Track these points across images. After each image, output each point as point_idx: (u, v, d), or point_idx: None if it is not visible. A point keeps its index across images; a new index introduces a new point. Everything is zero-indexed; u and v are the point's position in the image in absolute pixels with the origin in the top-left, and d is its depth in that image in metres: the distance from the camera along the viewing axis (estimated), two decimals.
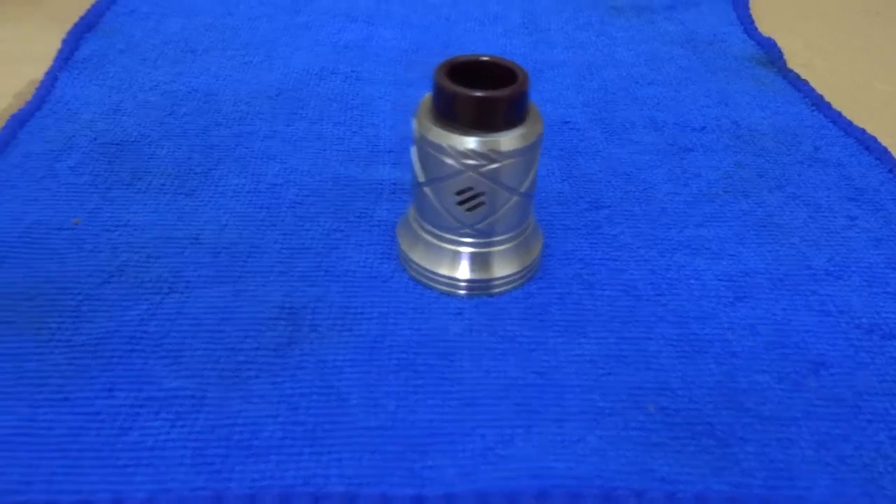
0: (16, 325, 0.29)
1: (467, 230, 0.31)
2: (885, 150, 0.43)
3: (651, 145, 0.43)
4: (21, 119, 0.42)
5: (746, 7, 0.62)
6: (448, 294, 0.32)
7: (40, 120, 0.42)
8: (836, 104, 0.49)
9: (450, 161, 0.29)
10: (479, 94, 0.28)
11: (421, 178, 0.31)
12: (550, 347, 0.30)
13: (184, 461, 0.25)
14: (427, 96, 0.31)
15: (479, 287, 0.32)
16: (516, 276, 0.32)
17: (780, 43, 0.56)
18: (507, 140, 0.29)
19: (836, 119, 0.47)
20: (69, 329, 0.29)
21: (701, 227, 0.37)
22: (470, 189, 0.30)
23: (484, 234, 0.31)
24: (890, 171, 0.42)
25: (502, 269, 0.32)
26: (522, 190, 0.30)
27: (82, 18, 0.54)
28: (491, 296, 0.32)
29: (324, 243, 0.34)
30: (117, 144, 0.40)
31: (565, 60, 0.53)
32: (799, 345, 0.30)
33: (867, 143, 0.44)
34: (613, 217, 0.37)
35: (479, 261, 0.32)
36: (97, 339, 0.29)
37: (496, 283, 0.32)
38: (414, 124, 0.30)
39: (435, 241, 0.32)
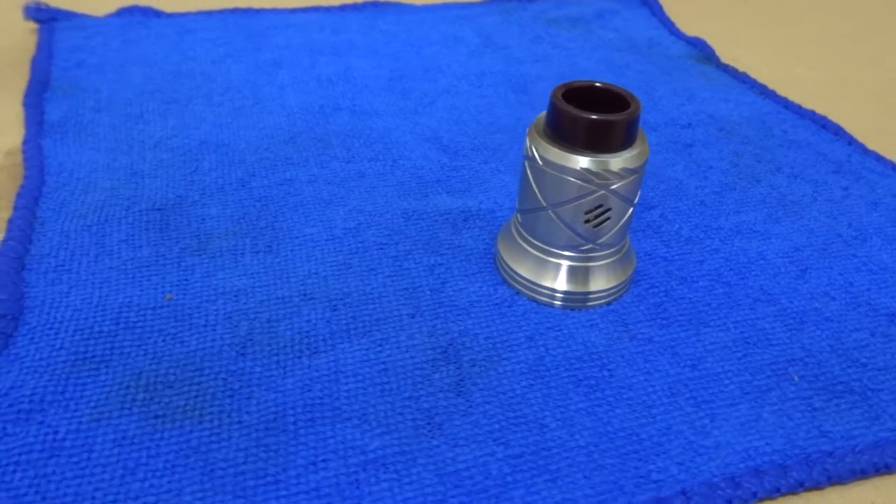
0: (169, 417, 0.27)
1: (591, 245, 0.33)
2: (839, 127, 0.50)
3: (658, 145, 0.47)
4: (32, 196, 0.38)
5: (663, 12, 0.69)
6: (547, 305, 0.33)
7: (54, 194, 0.39)
8: (779, 89, 0.56)
9: (579, 182, 0.31)
10: (602, 117, 0.30)
11: (542, 202, 0.32)
12: (685, 342, 0.32)
13: None
14: (538, 122, 0.32)
15: (578, 299, 0.33)
16: (616, 289, 0.34)
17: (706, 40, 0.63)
18: (629, 158, 0.31)
19: (788, 104, 0.53)
20: (233, 409, 0.28)
21: (738, 213, 0.41)
22: (600, 206, 0.31)
23: (606, 247, 0.33)
24: (849, 143, 0.49)
25: (603, 282, 0.34)
26: (636, 201, 0.33)
27: (32, 79, 0.49)
28: (586, 307, 0.34)
29: (432, 279, 0.35)
30: (158, 210, 0.38)
31: (541, 74, 0.56)
32: (869, 302, 0.35)
33: (822, 123, 0.51)
34: (666, 215, 0.41)
35: (580, 273, 0.34)
36: (270, 415, 0.28)
37: (593, 296, 0.34)
38: (531, 151, 0.31)
39: (542, 255, 0.33)
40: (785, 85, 0.57)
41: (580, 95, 0.32)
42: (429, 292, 0.34)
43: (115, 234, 0.36)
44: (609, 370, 0.31)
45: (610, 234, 0.33)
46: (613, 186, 0.31)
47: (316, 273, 0.35)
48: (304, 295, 0.33)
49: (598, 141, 0.30)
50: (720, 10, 0.73)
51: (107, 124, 0.45)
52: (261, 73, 0.53)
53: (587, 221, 0.32)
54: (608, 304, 0.34)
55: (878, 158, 0.47)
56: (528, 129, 0.33)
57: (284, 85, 0.51)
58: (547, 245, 0.33)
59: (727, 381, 0.30)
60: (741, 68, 0.59)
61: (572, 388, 0.30)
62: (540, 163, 0.31)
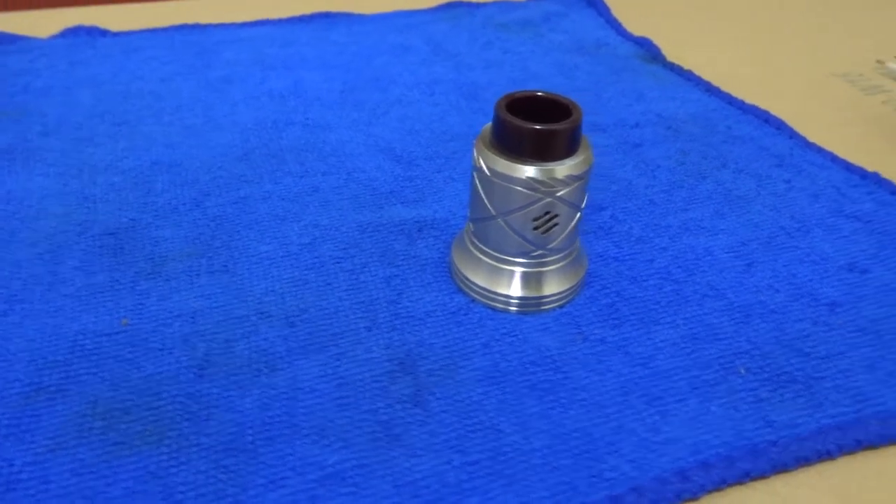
0: (128, 444, 0.27)
1: (541, 251, 0.33)
2: (780, 121, 0.52)
3: (607, 146, 0.48)
4: None
5: (609, 12, 0.70)
6: (504, 311, 0.34)
7: (4, 223, 0.38)
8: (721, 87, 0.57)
9: (525, 190, 0.31)
10: (545, 127, 0.31)
11: (492, 212, 0.33)
12: (637, 340, 0.33)
13: None
14: (484, 133, 0.33)
15: (532, 304, 0.34)
16: (567, 293, 0.35)
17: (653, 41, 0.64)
18: (574, 165, 0.32)
19: (731, 100, 0.55)
20: (191, 433, 0.28)
21: (686, 210, 0.42)
22: (547, 213, 0.32)
23: (557, 252, 0.34)
24: (791, 137, 0.50)
25: (555, 286, 0.35)
26: (583, 206, 0.34)
27: None
28: (541, 311, 0.35)
29: (388, 291, 0.35)
30: (111, 234, 0.38)
31: (492, 80, 0.57)
32: (810, 293, 0.37)
33: (763, 117, 0.52)
34: (617, 215, 0.42)
35: (532, 279, 0.34)
36: (228, 436, 0.28)
37: (546, 300, 0.35)
38: (479, 161, 0.32)
39: (496, 263, 0.34)
40: (729, 81, 0.59)
41: (523, 105, 0.33)
42: (385, 304, 0.34)
43: (68, 261, 0.36)
44: (563, 373, 0.31)
45: (559, 239, 0.33)
46: (559, 193, 0.32)
47: (273, 290, 0.35)
48: (262, 313, 0.33)
49: (543, 150, 0.31)
50: (665, 9, 0.74)
51: (56, 149, 0.45)
52: (211, 90, 0.53)
53: (536, 228, 0.33)
54: (561, 307, 0.35)
55: (819, 150, 0.49)
56: (475, 141, 0.33)
57: (236, 101, 0.51)
58: (499, 253, 0.34)
59: (677, 378, 0.31)
60: (687, 67, 0.60)
61: (527, 393, 0.30)
62: (487, 173, 0.32)
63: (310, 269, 0.36)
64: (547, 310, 0.35)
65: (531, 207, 0.32)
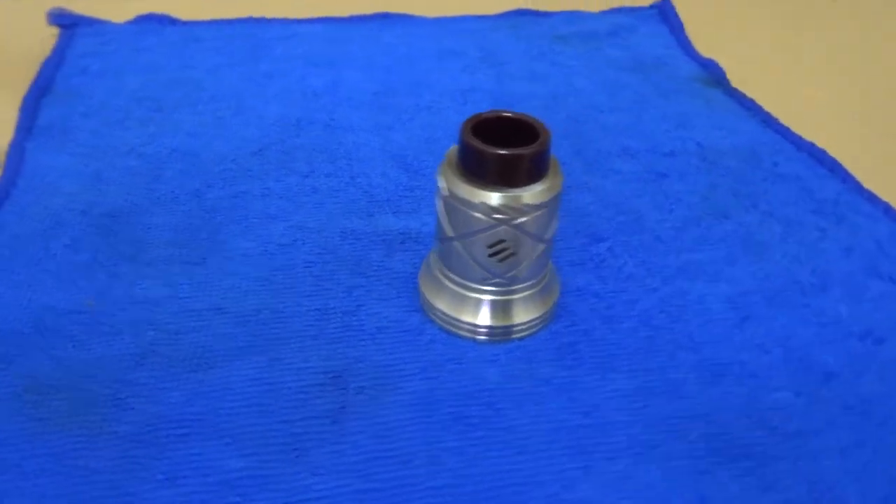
0: (52, 421, 0.29)
1: (497, 279, 0.32)
2: (835, 162, 0.47)
3: (630, 174, 0.46)
4: None
5: (682, 30, 0.66)
6: (471, 339, 0.33)
7: (19, 197, 0.41)
8: (774, 114, 0.53)
9: (480, 216, 0.30)
10: (506, 152, 0.29)
11: (450, 234, 0.32)
12: (586, 386, 0.31)
13: None
14: (450, 153, 0.32)
15: (499, 333, 0.33)
16: (537, 321, 0.34)
17: (719, 61, 0.60)
18: (535, 193, 0.30)
19: (786, 134, 0.50)
20: (112, 419, 0.29)
21: (693, 251, 0.39)
22: (501, 241, 0.31)
23: (512, 282, 0.32)
24: (843, 181, 0.46)
25: (524, 314, 0.33)
26: (547, 237, 0.32)
27: (34, 83, 0.52)
28: (510, 340, 0.33)
29: (348, 301, 0.35)
30: (110, 216, 0.40)
31: (530, 92, 0.55)
32: (805, 358, 0.33)
33: (818, 156, 0.48)
34: (614, 248, 0.39)
35: (500, 308, 0.33)
36: (146, 427, 0.28)
37: (517, 328, 0.33)
38: (440, 182, 0.31)
39: (460, 290, 0.33)
40: (799, 114, 0.54)
41: (493, 126, 0.31)
42: (340, 315, 0.34)
43: (62, 238, 0.38)
44: (496, 409, 0.30)
45: (519, 269, 0.32)
46: (517, 221, 0.30)
47: (236, 287, 0.35)
48: (219, 309, 0.34)
49: (501, 175, 0.30)
50: (750, 31, 0.69)
51: (89, 130, 0.47)
52: (250, 84, 0.54)
53: (491, 255, 0.31)
54: (521, 339, 0.33)
55: (871, 199, 0.44)
56: (443, 160, 0.32)
57: (270, 96, 0.53)
58: (462, 278, 0.33)
59: (616, 433, 0.29)
60: (749, 90, 0.56)
61: (451, 425, 0.29)
62: (446, 193, 0.31)
63: (279, 271, 0.36)
64: (517, 339, 0.33)
65: (486, 234, 0.31)
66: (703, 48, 0.63)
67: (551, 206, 0.31)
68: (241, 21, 0.64)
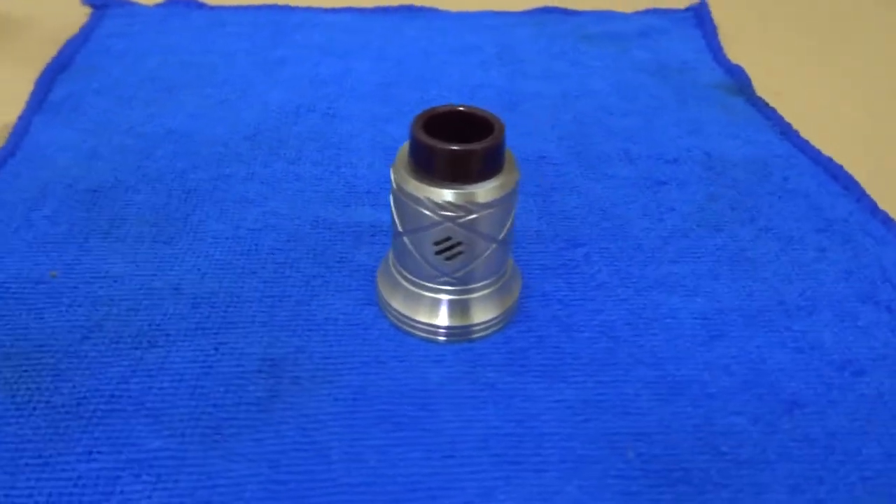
0: None
1: (447, 278, 0.31)
2: (852, 180, 0.44)
3: (626, 179, 0.44)
4: None
5: (715, 35, 0.63)
6: (428, 340, 0.32)
7: (14, 167, 0.42)
8: (804, 130, 0.50)
9: (427, 212, 0.29)
10: (454, 147, 0.28)
11: (399, 228, 0.31)
12: (530, 394, 0.30)
13: None
14: (405, 146, 0.31)
15: (458, 333, 0.32)
16: (495, 321, 0.33)
17: (749, 70, 0.57)
18: (485, 191, 0.29)
19: (805, 148, 0.48)
20: (48, 389, 0.29)
21: (676, 263, 0.37)
22: (448, 239, 0.30)
23: (463, 282, 0.31)
24: (858, 200, 0.43)
25: (481, 314, 0.32)
26: (500, 237, 0.31)
27: (55, 59, 0.54)
28: (472, 341, 0.32)
29: (304, 291, 0.35)
30: (94, 191, 0.40)
31: (540, 91, 0.54)
32: (773, 384, 0.31)
33: (834, 173, 0.45)
34: (591, 255, 0.38)
35: (457, 307, 0.32)
36: (77, 399, 0.29)
37: (476, 328, 0.32)
38: (391, 175, 0.30)
39: (415, 288, 0.32)
40: (824, 123, 0.51)
41: (446, 120, 0.30)
42: (292, 304, 0.34)
43: (44, 209, 0.39)
44: (429, 411, 0.29)
45: (469, 268, 0.31)
46: (464, 220, 0.29)
47: (197, 269, 0.35)
48: (175, 289, 0.34)
49: (448, 171, 0.29)
50: (788, 40, 0.66)
51: (98, 107, 0.49)
52: (261, 70, 0.54)
53: (439, 253, 0.30)
54: (481, 339, 0.32)
55: (886, 221, 0.41)
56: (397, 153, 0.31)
57: (277, 83, 0.53)
58: (413, 276, 0.32)
59: (549, 445, 0.28)
60: (782, 102, 0.53)
61: (378, 423, 0.28)
62: (394, 186, 0.30)
63: (243, 255, 0.36)
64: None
65: (433, 230, 0.30)
66: (738, 55, 0.60)
67: (503, 206, 0.30)
68: (267, 8, 0.65)
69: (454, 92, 0.53)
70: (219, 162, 0.44)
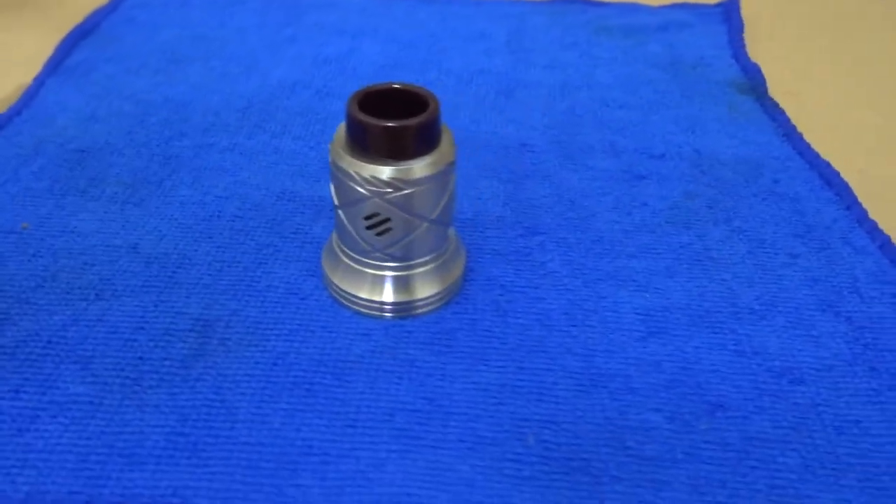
0: None
1: (378, 254, 0.31)
2: (845, 186, 0.42)
3: (605, 171, 0.43)
4: None
5: (740, 31, 0.61)
6: (370, 317, 0.33)
7: (18, 125, 0.45)
8: (816, 134, 0.48)
9: (357, 187, 0.30)
10: (382, 123, 0.29)
11: (336, 202, 0.31)
12: (448, 374, 0.30)
13: (66, 465, 0.26)
14: (343, 123, 0.31)
15: (397, 309, 0.32)
16: (435, 298, 0.33)
17: (771, 69, 0.55)
18: (413, 168, 0.29)
19: (804, 151, 0.46)
20: None
21: (633, 258, 0.37)
22: (377, 215, 0.30)
23: (396, 259, 0.32)
24: (847, 207, 0.41)
25: (420, 291, 0.32)
26: (433, 217, 0.31)
27: (78, 26, 0.56)
28: (415, 317, 0.33)
29: (254, 258, 0.35)
30: (82, 151, 0.42)
31: (540, 80, 0.53)
32: (702, 385, 0.30)
33: (829, 178, 0.43)
34: (546, 244, 0.37)
35: (396, 284, 0.32)
36: (17, 342, 0.31)
37: (417, 304, 0.33)
38: (329, 149, 0.31)
39: (354, 264, 0.32)
40: (837, 128, 0.49)
41: (384, 97, 0.31)
42: (239, 270, 0.35)
43: (33, 164, 0.41)
44: (343, 381, 0.30)
45: (399, 246, 0.31)
46: (390, 196, 0.30)
47: (158, 230, 0.37)
48: (133, 247, 0.36)
49: (377, 147, 0.29)
50: (815, 40, 0.63)
51: (107, 74, 0.51)
52: (269, 47, 0.56)
53: (368, 228, 0.31)
54: (411, 317, 0.33)
55: (872, 231, 0.39)
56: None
57: (282, 60, 0.54)
58: (350, 250, 0.32)
59: (454, 425, 0.28)
60: (798, 103, 0.51)
61: (291, 389, 0.29)
62: (330, 160, 0.31)
63: (204, 220, 0.38)
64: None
65: (361, 205, 0.30)
66: (764, 53, 0.58)
67: (433, 185, 0.30)
68: None
69: (452, 76, 0.53)
70: (206, 131, 0.45)
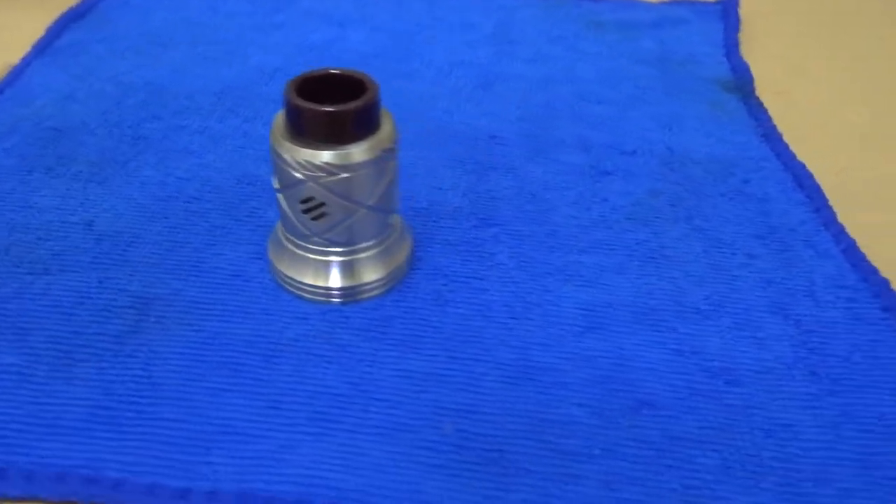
0: None
1: (318, 239, 0.32)
2: (817, 188, 0.41)
3: (572, 166, 0.43)
4: None
5: (735, 29, 0.60)
6: (316, 302, 0.33)
7: (0, 103, 0.46)
8: (801, 134, 0.47)
9: (292, 171, 0.30)
10: (315, 107, 0.29)
11: (275, 186, 0.32)
12: (377, 360, 0.30)
13: None
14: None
15: (343, 295, 0.32)
16: (380, 283, 0.33)
17: (765, 67, 0.54)
18: (348, 153, 0.29)
19: (781, 152, 0.45)
20: None
21: (585, 253, 0.36)
22: (313, 199, 0.30)
23: (336, 244, 0.32)
24: (816, 210, 0.40)
25: (365, 276, 0.33)
26: (371, 203, 0.31)
27: (73, 8, 0.57)
28: (358, 303, 0.33)
29: (204, 239, 0.36)
30: (56, 130, 0.43)
31: (522, 74, 0.53)
32: (633, 382, 0.30)
33: (801, 180, 0.42)
34: (499, 236, 0.37)
35: (340, 269, 0.32)
36: None
37: (362, 289, 0.33)
38: (269, 134, 0.31)
39: (298, 250, 0.33)
40: (824, 128, 0.48)
41: (323, 82, 0.31)
42: (188, 250, 0.35)
43: (6, 142, 0.42)
44: (271, 363, 0.30)
45: (337, 231, 0.31)
46: (324, 181, 0.30)
47: (114, 209, 0.37)
48: (88, 224, 0.36)
49: (313, 131, 0.29)
50: (812, 39, 0.62)
51: (94, 55, 0.52)
52: (257, 32, 0.56)
53: (304, 212, 0.31)
54: (345, 303, 0.33)
55: (838, 235, 0.38)
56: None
57: (266, 46, 0.54)
58: (291, 235, 0.32)
59: (374, 410, 0.28)
60: (787, 103, 0.50)
61: (218, 368, 0.29)
62: (269, 142, 0.31)
63: (161, 201, 0.38)
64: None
65: (295, 189, 0.30)
66: (759, 52, 0.57)
67: (372, 170, 0.30)
68: None
69: (433, 68, 0.53)
70: (179, 114, 0.46)
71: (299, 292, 0.33)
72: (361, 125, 0.30)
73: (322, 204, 0.30)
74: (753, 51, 0.58)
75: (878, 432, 0.28)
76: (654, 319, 0.33)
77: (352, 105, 0.29)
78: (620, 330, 0.32)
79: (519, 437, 0.27)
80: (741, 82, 0.53)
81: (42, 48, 0.52)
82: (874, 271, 0.36)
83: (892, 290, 0.35)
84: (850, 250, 0.37)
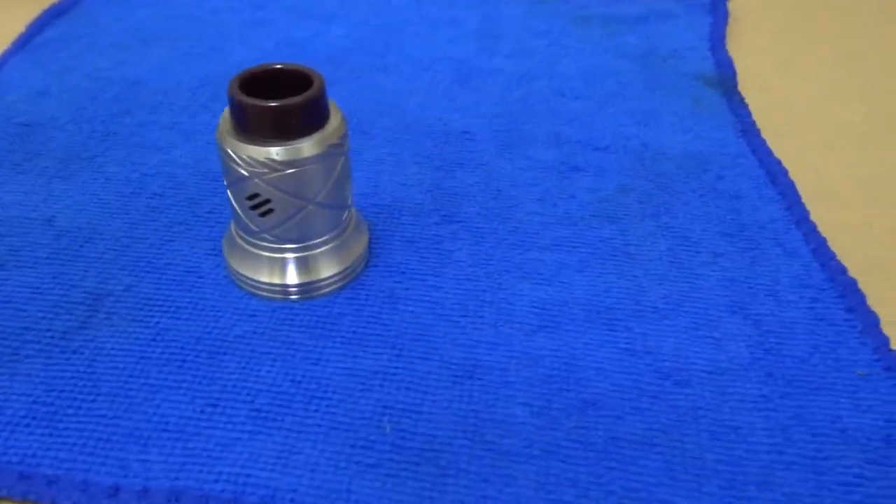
0: None
1: (267, 235, 0.31)
2: (790, 186, 0.40)
3: (542, 162, 0.42)
4: None
5: (723, 24, 0.59)
6: (273, 300, 0.33)
7: None
8: (781, 130, 0.46)
9: (237, 167, 0.30)
10: (256, 103, 0.29)
11: (224, 181, 0.32)
12: (323, 358, 0.30)
13: None
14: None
15: (299, 291, 0.32)
16: (336, 279, 0.33)
17: (751, 62, 0.53)
18: (292, 149, 0.29)
19: (757, 148, 0.44)
20: None
21: (546, 250, 0.36)
22: (258, 195, 0.30)
23: (286, 240, 0.32)
24: (788, 208, 0.39)
25: (321, 272, 0.32)
26: (319, 199, 0.31)
27: (54, 5, 0.57)
28: (313, 299, 0.33)
29: (163, 235, 0.36)
30: (27, 126, 0.44)
31: (501, 69, 0.52)
32: (580, 382, 0.29)
33: (776, 176, 0.41)
34: (459, 233, 0.37)
35: (296, 265, 0.32)
36: None
37: (318, 285, 0.32)
38: (216, 131, 0.31)
39: (250, 248, 0.32)
40: (811, 125, 0.47)
41: (269, 78, 0.30)
42: (146, 246, 0.35)
43: None
44: (216, 360, 0.30)
45: (284, 227, 0.31)
46: (268, 177, 0.30)
47: (78, 204, 0.38)
48: (48, 220, 0.36)
49: (256, 127, 0.29)
50: (802, 34, 0.60)
51: (73, 51, 0.52)
52: (239, 28, 0.56)
53: (251, 209, 0.31)
54: (303, 299, 0.33)
55: (809, 233, 0.37)
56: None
57: (247, 42, 0.54)
58: (244, 233, 0.32)
59: (314, 409, 0.28)
60: (772, 98, 0.49)
61: (163, 365, 0.29)
62: (215, 137, 0.31)
63: (126, 197, 0.38)
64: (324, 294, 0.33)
65: (239, 185, 0.30)
66: (744, 46, 0.56)
67: (318, 166, 0.30)
68: None
69: (411, 63, 0.52)
70: (151, 109, 0.46)
71: (255, 290, 0.33)
72: (307, 120, 0.29)
73: (268, 200, 0.30)
74: (741, 45, 0.57)
75: (830, 436, 0.28)
76: (609, 318, 0.32)
77: (296, 100, 0.29)
78: (572, 329, 0.32)
79: (458, 437, 0.27)
80: (723, 77, 0.52)
81: (21, 45, 0.52)
82: (842, 271, 0.35)
83: (858, 290, 0.34)
84: (820, 249, 0.36)
